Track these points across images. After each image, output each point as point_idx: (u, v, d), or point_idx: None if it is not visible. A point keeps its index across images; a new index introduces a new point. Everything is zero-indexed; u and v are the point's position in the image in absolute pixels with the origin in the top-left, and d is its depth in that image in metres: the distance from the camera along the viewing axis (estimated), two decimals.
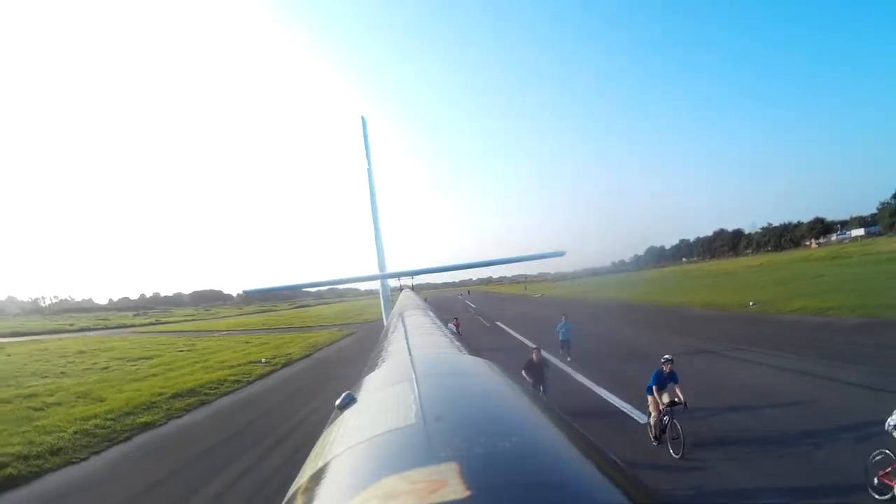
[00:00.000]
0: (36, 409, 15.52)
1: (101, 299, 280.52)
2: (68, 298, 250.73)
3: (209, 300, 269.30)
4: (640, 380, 9.89)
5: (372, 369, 2.58)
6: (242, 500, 8.15)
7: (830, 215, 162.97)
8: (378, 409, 1.57)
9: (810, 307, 22.83)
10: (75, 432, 12.63)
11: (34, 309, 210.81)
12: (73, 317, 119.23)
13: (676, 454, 7.83)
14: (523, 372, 10.58)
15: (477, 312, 45.36)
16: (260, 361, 22.60)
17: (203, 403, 15.60)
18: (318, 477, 1.18)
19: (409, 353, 2.59)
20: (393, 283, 18.98)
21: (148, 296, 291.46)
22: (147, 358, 27.82)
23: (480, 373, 2.00)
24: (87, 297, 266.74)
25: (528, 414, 1.40)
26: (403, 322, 4.66)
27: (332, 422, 1.84)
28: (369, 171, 10.81)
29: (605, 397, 11.43)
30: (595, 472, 0.98)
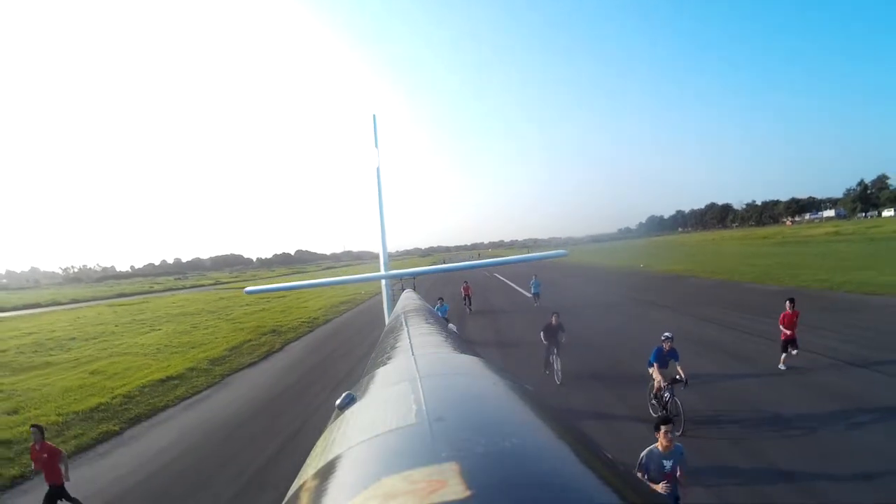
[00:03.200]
0: (282, 311, 33.91)
1: (122, 266, 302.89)
2: (95, 267, 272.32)
3: (231, 264, 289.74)
4: (551, 293, 27.81)
5: (373, 369, 2.64)
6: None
7: (826, 194, 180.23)
8: (379, 408, 1.62)
9: (668, 268, 41.66)
10: (332, 308, 31.54)
11: (72, 277, 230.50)
12: (132, 282, 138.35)
13: (677, 432, 7.55)
14: (542, 334, 11.79)
15: (482, 268, 65.03)
16: (360, 293, 41.90)
17: (361, 302, 35.06)
18: (318, 476, 1.23)
19: (411, 353, 2.68)
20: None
21: (169, 262, 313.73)
22: (282, 297, 46.50)
23: (481, 373, 2.06)
24: (109, 265, 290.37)
25: (529, 414, 1.43)
26: (405, 322, 4.69)
27: (332, 421, 1.90)
28: (377, 169, 10.83)
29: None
30: (595, 472, 1.01)
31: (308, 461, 1.54)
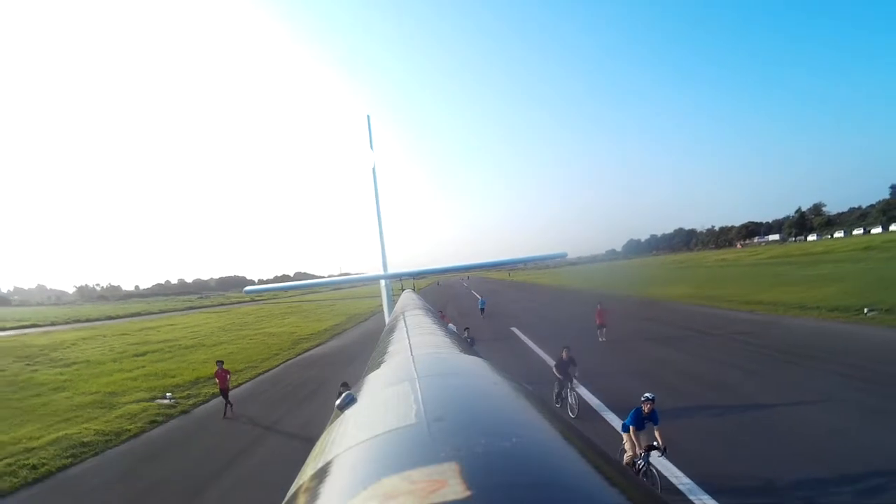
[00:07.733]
0: (348, 307, 58.86)
1: (126, 285, 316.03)
2: (105, 285, 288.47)
3: (235, 286, 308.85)
4: (497, 302, 53.40)
5: (373, 369, 2.71)
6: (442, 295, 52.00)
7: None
8: (379, 408, 1.67)
9: (593, 287, 66.66)
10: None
11: (97, 295, 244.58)
12: (167, 299, 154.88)
13: None
14: (554, 369, 12.01)
15: (469, 288, 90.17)
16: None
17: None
18: (318, 477, 1.25)
19: (411, 353, 2.74)
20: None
21: (173, 282, 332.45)
22: (334, 306, 71.10)
23: (481, 373, 2.12)
24: (116, 284, 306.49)
25: (529, 414, 1.47)
26: (405, 322, 4.83)
27: (332, 422, 1.95)
28: (373, 170, 10.97)
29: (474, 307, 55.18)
30: (595, 472, 1.04)
31: (308, 461, 1.57)
